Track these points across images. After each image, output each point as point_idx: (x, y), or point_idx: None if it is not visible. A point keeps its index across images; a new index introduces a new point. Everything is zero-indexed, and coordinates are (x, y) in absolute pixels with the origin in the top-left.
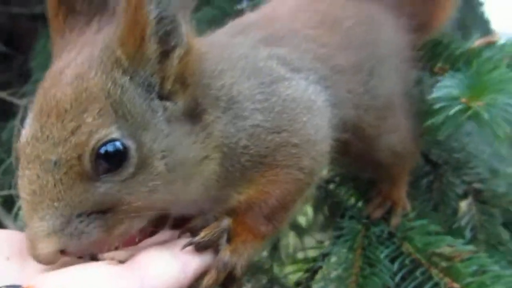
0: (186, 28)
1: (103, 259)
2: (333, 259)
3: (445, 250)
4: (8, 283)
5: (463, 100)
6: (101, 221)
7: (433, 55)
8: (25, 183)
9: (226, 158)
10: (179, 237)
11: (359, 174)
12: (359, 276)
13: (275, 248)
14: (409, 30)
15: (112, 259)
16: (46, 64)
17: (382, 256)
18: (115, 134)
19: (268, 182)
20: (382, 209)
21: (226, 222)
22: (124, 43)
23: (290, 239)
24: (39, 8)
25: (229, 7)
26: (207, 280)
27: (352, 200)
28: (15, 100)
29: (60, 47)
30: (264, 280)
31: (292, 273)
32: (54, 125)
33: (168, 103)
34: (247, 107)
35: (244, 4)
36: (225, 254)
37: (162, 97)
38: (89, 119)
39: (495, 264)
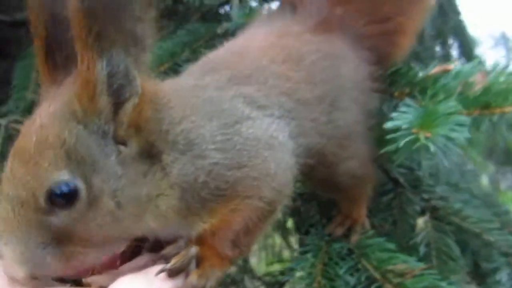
0: (139, 80)
1: (87, 284)
2: (298, 273)
3: (398, 267)
4: None
5: (414, 131)
6: (58, 251)
7: (392, 81)
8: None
9: (185, 193)
10: (154, 263)
11: (322, 194)
12: None
13: (246, 261)
14: (370, 62)
15: (94, 283)
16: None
17: (341, 271)
18: (66, 177)
19: (229, 212)
20: (343, 227)
21: (193, 250)
22: (79, 97)
23: (276, 239)
24: (21, 15)
25: (205, 30)
26: None
27: (316, 218)
28: None
29: (43, 97)
30: None
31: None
32: (19, 167)
33: (122, 147)
34: (207, 148)
35: (221, 28)
36: (193, 278)
37: (117, 141)
38: (45, 164)
39: (444, 280)
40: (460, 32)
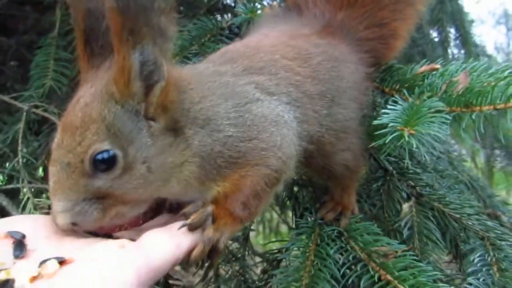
0: (165, 66)
1: (116, 237)
2: (293, 252)
3: (382, 248)
4: (52, 256)
5: (400, 128)
6: (98, 205)
7: (384, 78)
8: (50, 176)
9: (204, 161)
10: (174, 221)
11: (318, 181)
12: (311, 267)
13: (246, 240)
14: (367, 65)
15: (122, 237)
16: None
17: (331, 251)
18: (107, 146)
19: (240, 177)
20: (334, 212)
21: (210, 208)
22: (116, 82)
23: (274, 214)
24: None
25: (212, 25)
26: (196, 251)
27: (310, 203)
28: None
29: (83, 79)
30: (236, 267)
31: (260, 263)
32: (68, 138)
33: (152, 123)
34: (222, 123)
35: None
36: (209, 231)
37: (147, 118)
38: (90, 135)
39: (423, 261)
40: (458, 17)
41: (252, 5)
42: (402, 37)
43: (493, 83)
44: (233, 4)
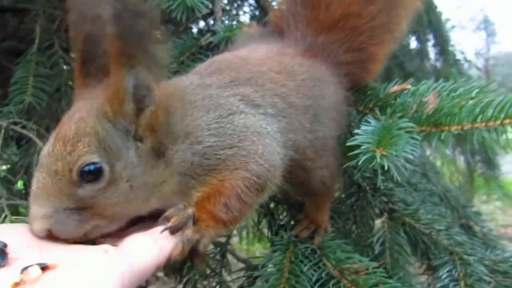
0: (157, 91)
1: (99, 242)
2: (269, 269)
3: (353, 265)
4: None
5: (372, 149)
6: (77, 216)
7: (358, 97)
8: (35, 181)
9: (183, 176)
10: (158, 224)
11: (294, 198)
12: (286, 284)
13: (223, 256)
14: (345, 88)
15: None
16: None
17: (305, 268)
18: (96, 159)
19: (219, 181)
20: (308, 230)
21: (190, 210)
22: (110, 102)
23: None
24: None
25: (191, 43)
26: (175, 251)
27: (286, 219)
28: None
29: (78, 96)
30: (213, 283)
31: (237, 279)
32: (59, 147)
33: (139, 144)
34: (202, 134)
35: (205, 40)
36: (189, 231)
37: (136, 138)
38: (81, 147)
39: (393, 277)
40: (436, 27)
41: (230, 23)
42: (380, 61)
43: (462, 103)
44: (212, 22)
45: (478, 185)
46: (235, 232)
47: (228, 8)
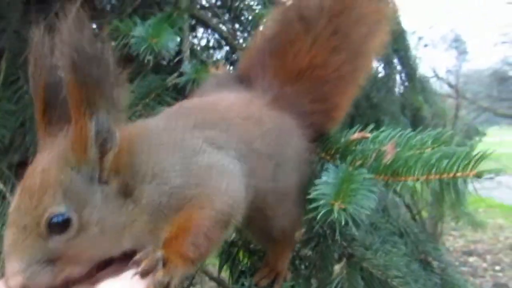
0: (118, 133)
1: None
2: None
3: None
4: None
5: (331, 202)
6: (51, 267)
7: (320, 143)
8: (6, 238)
9: (152, 215)
10: (127, 269)
11: (256, 245)
12: None
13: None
14: (309, 139)
15: None
16: None
17: None
18: (62, 209)
19: (185, 220)
20: (268, 279)
21: (159, 253)
22: (73, 149)
23: None
24: None
25: (156, 84)
26: None
27: (247, 266)
28: None
29: (42, 147)
30: None
31: None
32: (26, 201)
33: (105, 187)
34: (168, 176)
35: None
36: (159, 275)
37: (101, 181)
38: (46, 199)
39: None
40: (403, 56)
41: (197, 65)
42: (344, 109)
43: (418, 153)
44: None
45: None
46: None
47: (196, 47)
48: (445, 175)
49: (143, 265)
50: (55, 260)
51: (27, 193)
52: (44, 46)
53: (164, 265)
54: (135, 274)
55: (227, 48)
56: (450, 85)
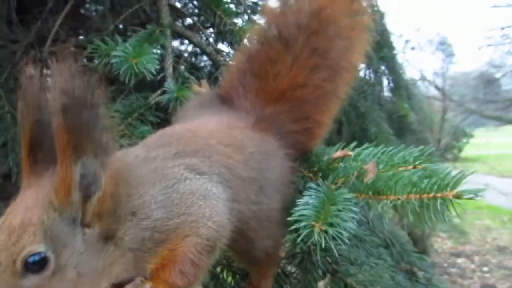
0: (103, 178)
1: None
2: None
3: None
4: None
5: (312, 223)
6: None
7: (303, 161)
8: None
9: (135, 252)
10: None
11: (240, 265)
12: None
13: None
14: (292, 159)
15: None
16: None
17: None
18: (41, 249)
19: (169, 252)
20: None
21: (148, 285)
22: (57, 191)
23: None
24: None
25: (139, 103)
26: None
27: (231, 285)
28: None
29: (26, 185)
30: None
31: None
32: (4, 237)
33: (87, 230)
34: (149, 209)
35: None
36: None
37: (83, 225)
38: (26, 237)
39: None
40: (389, 63)
41: (180, 83)
42: (326, 125)
43: (400, 172)
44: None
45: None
46: None
47: (179, 65)
48: (425, 195)
49: None
50: None
51: (6, 230)
52: (34, 84)
53: None
54: None
55: (209, 63)
56: (437, 88)
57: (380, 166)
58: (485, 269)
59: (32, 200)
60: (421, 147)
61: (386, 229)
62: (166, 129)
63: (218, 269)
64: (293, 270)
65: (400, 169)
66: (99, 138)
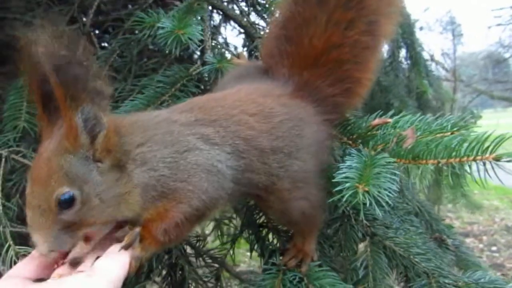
0: (105, 118)
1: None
2: None
3: None
4: None
5: (355, 185)
6: (68, 232)
7: (341, 129)
8: (28, 216)
9: (143, 191)
10: (115, 242)
11: (279, 225)
12: None
13: (218, 279)
14: (331, 123)
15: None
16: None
17: None
18: (67, 189)
19: (165, 210)
20: (296, 259)
21: (137, 230)
22: (67, 138)
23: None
24: None
25: (182, 74)
26: (131, 269)
27: (276, 247)
28: None
29: (44, 136)
30: None
31: None
32: (36, 187)
33: (99, 164)
34: (158, 165)
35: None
36: (137, 251)
37: (95, 160)
38: (53, 183)
39: None
40: (409, 40)
41: (220, 54)
42: (368, 81)
43: (438, 138)
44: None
45: (445, 185)
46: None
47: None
48: (465, 159)
49: (125, 240)
50: (70, 227)
51: (36, 180)
52: (34, 46)
53: (140, 240)
54: (121, 248)
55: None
56: (444, 68)
57: (418, 133)
58: (494, 248)
59: (50, 150)
60: (459, 114)
61: (415, 199)
62: (194, 98)
63: (264, 232)
64: (333, 234)
65: (438, 135)
66: (91, 86)
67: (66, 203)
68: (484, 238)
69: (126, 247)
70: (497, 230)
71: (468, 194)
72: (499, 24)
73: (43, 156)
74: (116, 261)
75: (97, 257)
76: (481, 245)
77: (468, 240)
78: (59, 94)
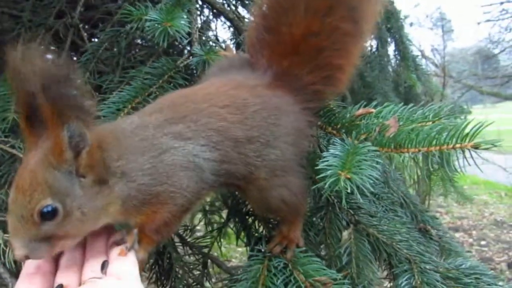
0: (89, 135)
1: None
2: (243, 284)
3: (322, 278)
4: None
5: (338, 172)
6: (46, 242)
7: (325, 119)
8: (9, 223)
9: (124, 202)
10: (113, 246)
11: (260, 214)
12: None
13: (205, 266)
14: (311, 111)
15: None
16: None
17: (278, 282)
18: (49, 202)
19: (152, 212)
20: (281, 245)
21: (135, 232)
22: (52, 153)
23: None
24: None
25: (169, 66)
26: (140, 269)
27: (262, 234)
28: None
29: (28, 147)
30: None
31: None
32: (20, 197)
33: (82, 179)
34: (136, 175)
35: (182, 61)
36: (141, 254)
37: (78, 175)
38: (36, 195)
39: (357, 286)
40: (396, 34)
41: (207, 46)
42: (350, 67)
43: (419, 127)
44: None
45: (435, 180)
46: None
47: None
48: (444, 147)
49: (130, 243)
50: (49, 239)
51: (20, 190)
52: (21, 60)
53: (139, 242)
54: (129, 249)
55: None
56: (434, 64)
57: (401, 122)
58: (483, 243)
59: (35, 162)
60: (440, 103)
61: (400, 190)
62: (164, 95)
63: (250, 220)
64: (318, 221)
65: (420, 124)
66: (78, 104)
67: (49, 215)
68: (474, 232)
69: (131, 248)
70: (487, 225)
71: (458, 187)
72: (488, 20)
73: (28, 168)
74: (130, 262)
75: (104, 261)
76: (470, 240)
77: (457, 234)
78: (46, 111)
